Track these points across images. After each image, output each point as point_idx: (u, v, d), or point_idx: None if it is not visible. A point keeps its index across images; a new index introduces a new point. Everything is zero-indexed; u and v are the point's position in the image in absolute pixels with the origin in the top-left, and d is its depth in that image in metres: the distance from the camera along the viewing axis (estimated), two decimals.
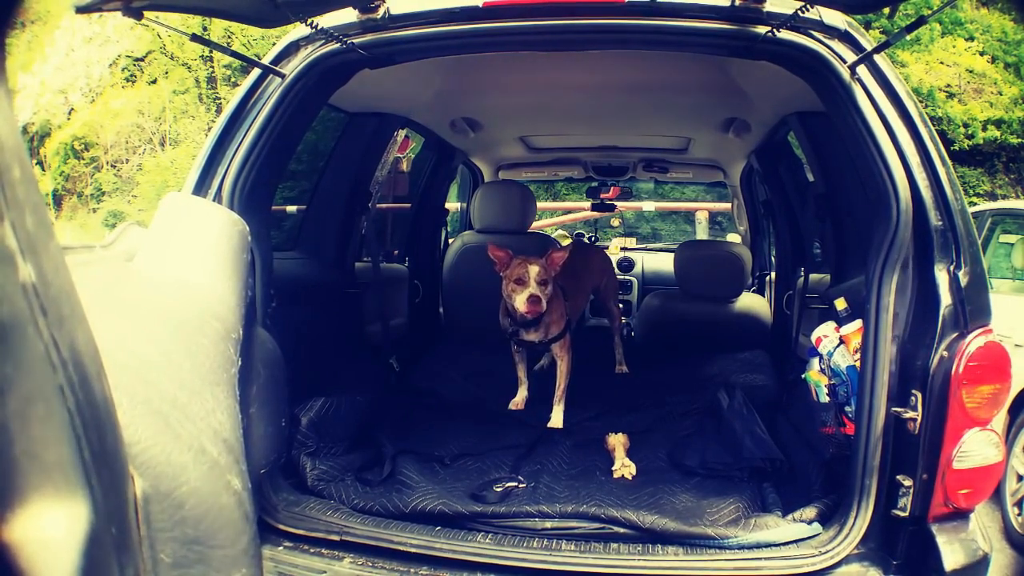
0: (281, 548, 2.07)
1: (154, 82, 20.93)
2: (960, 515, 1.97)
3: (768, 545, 1.99)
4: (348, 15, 2.22)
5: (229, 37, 17.70)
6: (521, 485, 2.48)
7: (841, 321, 2.45)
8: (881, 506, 1.96)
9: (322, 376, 2.83)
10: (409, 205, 4.41)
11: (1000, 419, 4.22)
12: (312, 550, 2.07)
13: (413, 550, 2.00)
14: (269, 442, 2.06)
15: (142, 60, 21.39)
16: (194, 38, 2.33)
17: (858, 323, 2.31)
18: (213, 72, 20.40)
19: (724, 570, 1.93)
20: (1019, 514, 4.25)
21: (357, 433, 2.77)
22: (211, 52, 18.88)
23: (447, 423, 3.08)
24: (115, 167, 20.80)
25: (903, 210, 1.94)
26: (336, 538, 2.06)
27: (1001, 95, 15.58)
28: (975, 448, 1.91)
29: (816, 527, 2.04)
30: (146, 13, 1.83)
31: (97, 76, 20.81)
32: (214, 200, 2.18)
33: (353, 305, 3.50)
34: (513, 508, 2.19)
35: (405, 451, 2.69)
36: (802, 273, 3.50)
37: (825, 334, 2.49)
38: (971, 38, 16.32)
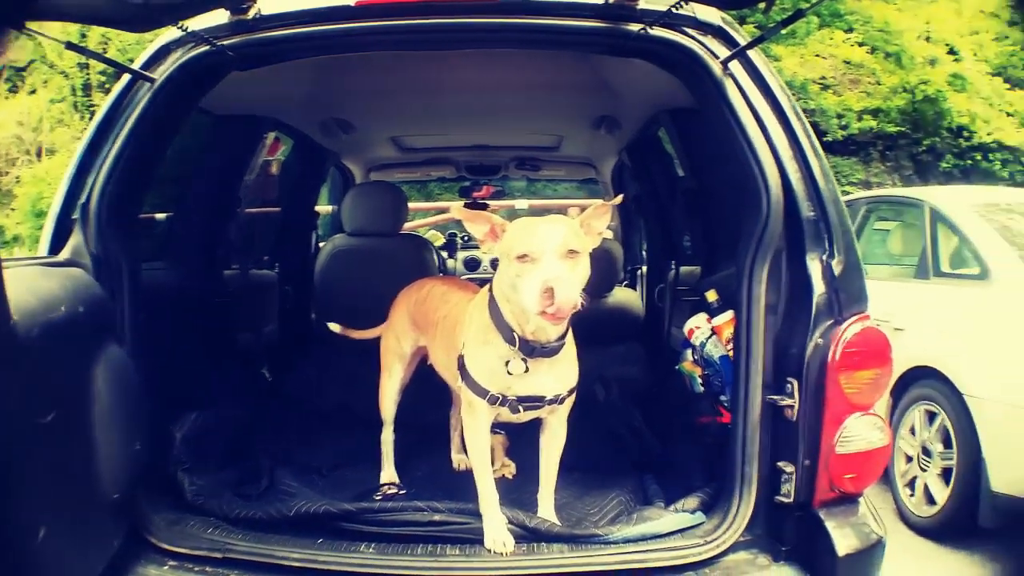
0: (166, 568, 1.98)
1: (33, 92, 19.94)
2: (848, 499, 2.00)
3: (653, 537, 2.00)
4: (220, 17, 2.16)
5: (105, 44, 16.98)
6: (401, 492, 2.46)
7: (713, 312, 2.49)
8: (764, 493, 1.99)
9: (194, 389, 2.74)
10: (279, 209, 4.29)
11: (883, 402, 4.38)
12: (197, 568, 1.98)
13: (296, 564, 1.94)
14: (118, 465, 1.95)
15: (24, 70, 20.37)
16: (69, 46, 2.26)
17: (730, 314, 2.35)
18: (89, 79, 19.54)
19: (610, 564, 1.92)
20: (911, 495, 4.38)
21: (232, 446, 2.69)
22: (88, 59, 18.18)
23: (321, 432, 3.03)
24: None
25: (773, 202, 1.97)
26: (219, 555, 1.98)
27: (880, 84, 15.82)
28: (858, 433, 1.94)
29: (699, 516, 2.05)
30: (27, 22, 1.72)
31: None
32: (82, 208, 2.10)
33: (222, 314, 3.37)
34: (400, 504, 2.17)
35: (282, 463, 2.62)
36: (673, 266, 3.56)
37: (697, 325, 2.53)
38: (850, 29, 16.49)
